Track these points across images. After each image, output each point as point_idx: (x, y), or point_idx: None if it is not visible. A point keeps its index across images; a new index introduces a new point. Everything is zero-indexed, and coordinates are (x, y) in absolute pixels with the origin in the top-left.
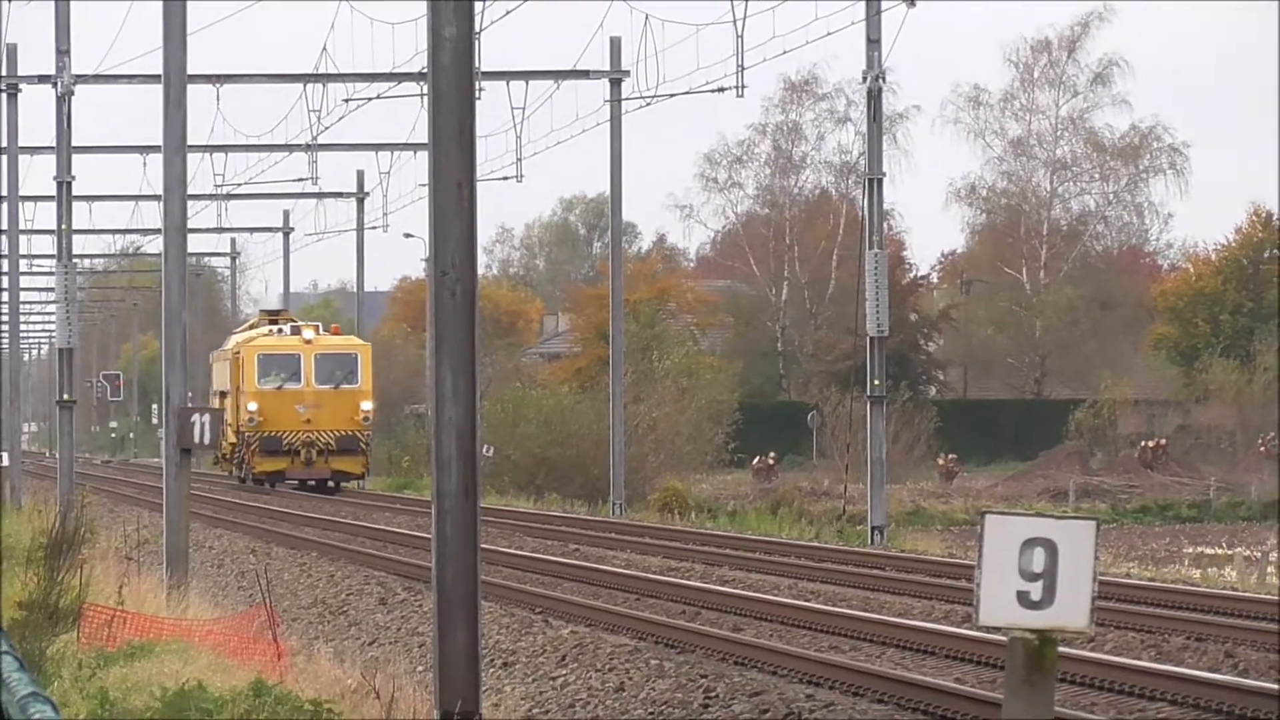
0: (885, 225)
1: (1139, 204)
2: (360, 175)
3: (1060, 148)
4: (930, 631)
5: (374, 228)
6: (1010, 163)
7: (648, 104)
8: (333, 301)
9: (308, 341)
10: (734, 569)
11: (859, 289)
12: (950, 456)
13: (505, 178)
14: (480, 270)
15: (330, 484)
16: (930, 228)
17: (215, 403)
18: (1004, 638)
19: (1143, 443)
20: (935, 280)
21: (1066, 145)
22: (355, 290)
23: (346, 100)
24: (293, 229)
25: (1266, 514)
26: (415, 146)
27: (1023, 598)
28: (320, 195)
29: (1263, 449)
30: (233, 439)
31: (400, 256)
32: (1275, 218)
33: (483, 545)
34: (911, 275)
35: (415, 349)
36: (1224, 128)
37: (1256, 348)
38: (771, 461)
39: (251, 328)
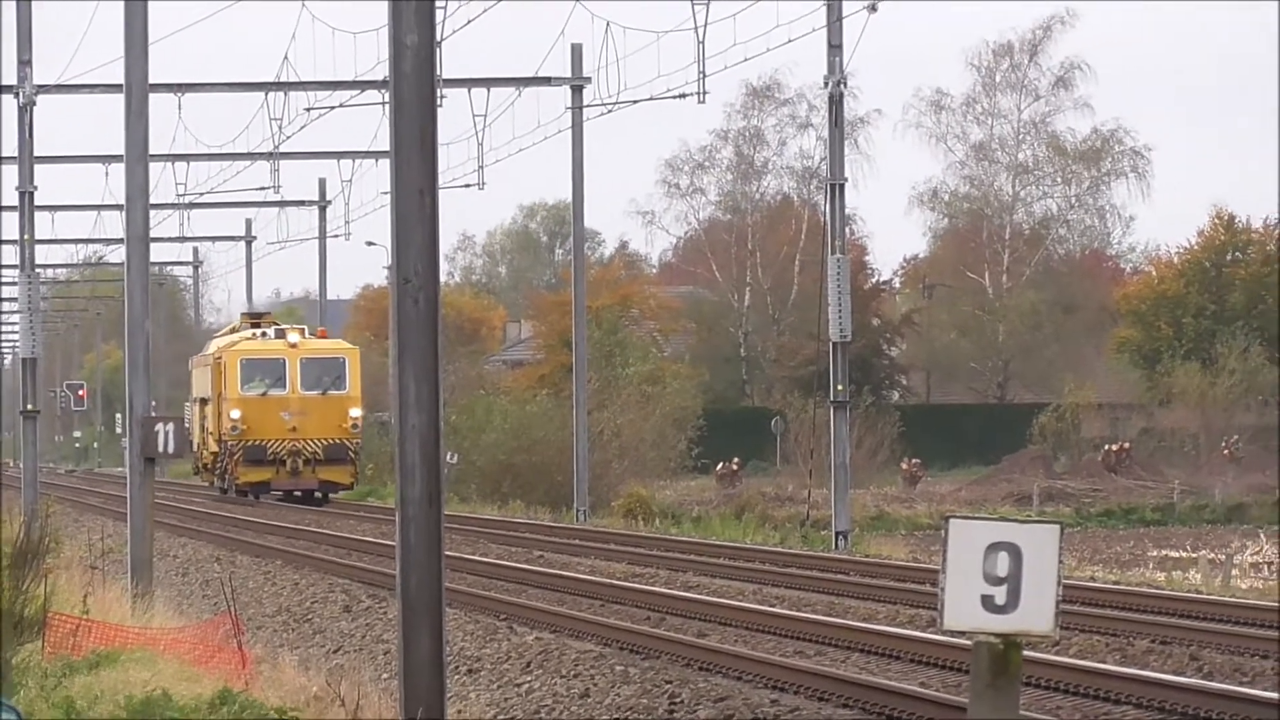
0: (847, 230)
1: (1101, 207)
2: (322, 183)
3: (1022, 151)
4: (895, 636)
5: (336, 236)
6: (972, 167)
7: (609, 110)
8: (296, 310)
9: (293, 346)
10: (698, 575)
11: (821, 294)
12: (914, 461)
13: (467, 185)
14: (443, 278)
15: (317, 495)
16: (892, 232)
17: (195, 411)
18: (969, 642)
19: (1106, 446)
20: (898, 285)
21: (1028, 149)
22: (318, 299)
23: (308, 109)
24: (255, 237)
25: (1230, 517)
26: (377, 154)
27: (987, 602)
28: (282, 204)
29: (1226, 452)
30: (214, 448)
31: (363, 264)
32: (1276, 223)
33: (447, 552)
34: (874, 280)
35: (378, 357)
36: (1186, 131)
37: (1219, 351)
38: (735, 467)
39: (233, 331)
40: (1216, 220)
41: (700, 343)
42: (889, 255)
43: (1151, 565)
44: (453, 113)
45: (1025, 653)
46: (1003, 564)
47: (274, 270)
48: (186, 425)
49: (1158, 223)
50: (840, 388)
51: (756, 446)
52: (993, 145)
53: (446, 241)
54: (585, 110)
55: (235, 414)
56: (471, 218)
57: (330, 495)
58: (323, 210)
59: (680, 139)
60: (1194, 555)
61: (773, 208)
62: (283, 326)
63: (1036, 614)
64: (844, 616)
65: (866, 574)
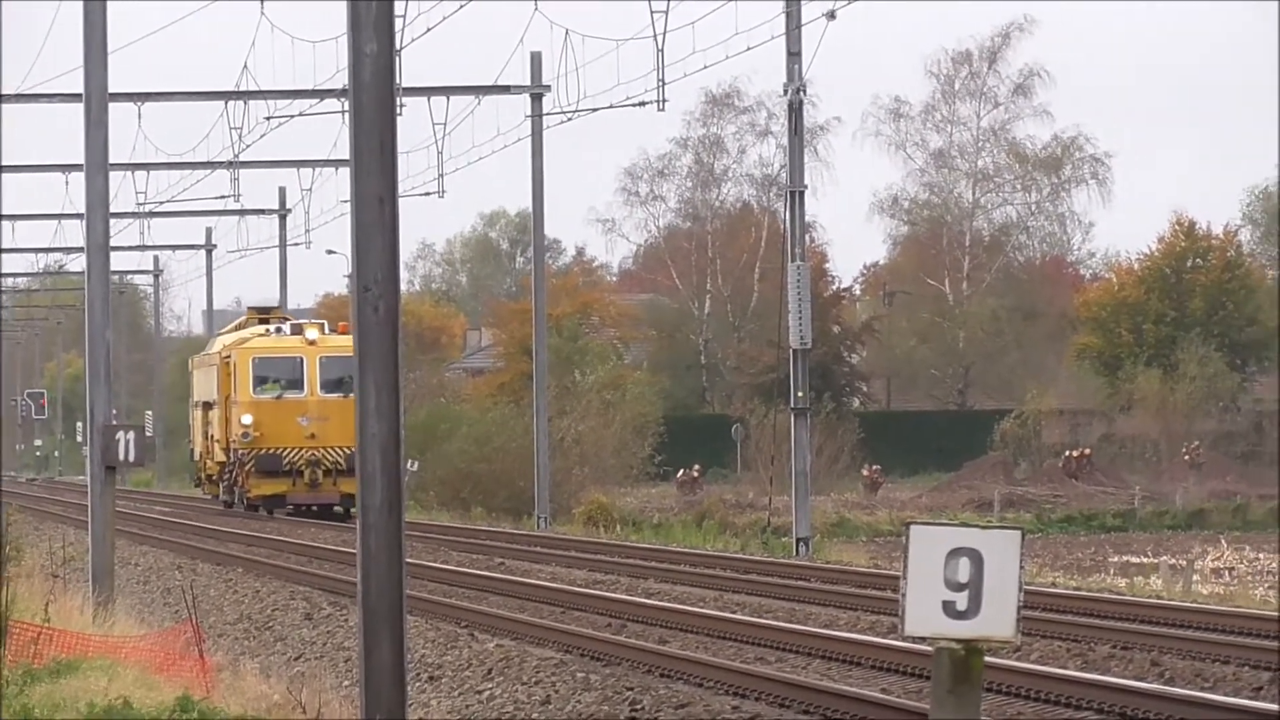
0: (807, 238)
1: (1061, 214)
2: (282, 192)
3: (982, 159)
4: (856, 642)
5: (296, 244)
6: (932, 174)
7: (569, 119)
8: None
9: (311, 342)
10: (660, 581)
11: (781, 301)
12: (874, 468)
13: (427, 193)
14: (403, 286)
15: (338, 509)
16: (852, 240)
17: (197, 416)
18: (930, 648)
19: (1067, 452)
20: (858, 292)
21: (988, 156)
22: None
23: (268, 117)
24: (215, 246)
25: (1191, 522)
26: (337, 163)
27: (948, 608)
28: (242, 212)
29: (1187, 458)
30: (221, 457)
31: (323, 273)
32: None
33: (408, 560)
34: (834, 287)
35: None
36: (1146, 138)
37: (1179, 357)
38: (696, 474)
39: (238, 328)
40: (1177, 227)
41: (661, 350)
42: (849, 262)
43: (1112, 571)
44: (412, 121)
45: (987, 658)
46: (964, 570)
47: (234, 279)
48: (189, 441)
49: (1118, 229)
50: (800, 394)
51: (717, 453)
52: (952, 152)
53: (407, 250)
54: (545, 118)
55: (246, 419)
56: (432, 226)
57: (352, 510)
58: (283, 219)
59: (640, 147)
60: (1155, 561)
61: (732, 215)
62: (299, 321)
63: (998, 620)
64: (805, 623)
65: (827, 580)
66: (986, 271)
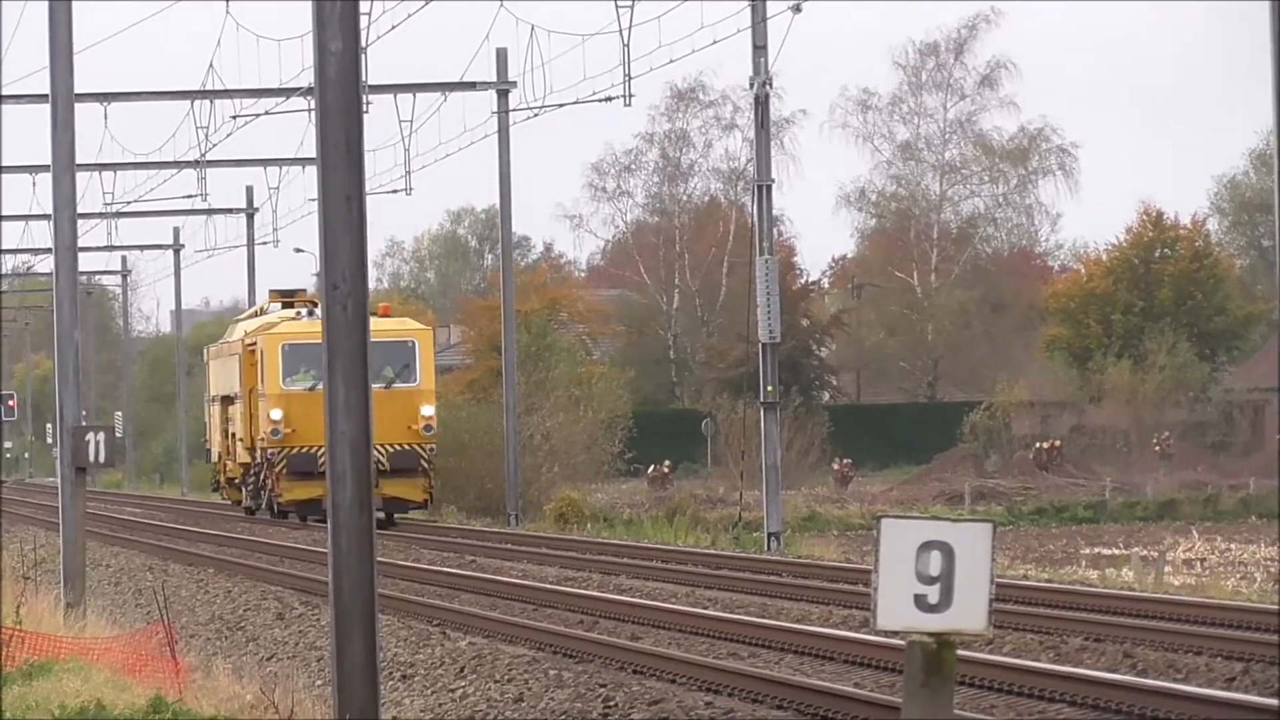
0: (775, 231)
1: (1028, 205)
2: (249, 191)
3: (949, 150)
4: (828, 637)
5: (264, 243)
6: (899, 166)
7: (535, 115)
8: (225, 319)
9: None
10: (631, 578)
11: (750, 295)
12: (845, 461)
13: (394, 191)
14: (371, 284)
15: (381, 514)
16: (820, 233)
17: (215, 412)
18: (902, 641)
19: (1037, 444)
20: (826, 285)
21: (955, 148)
22: (247, 307)
23: (234, 116)
24: (183, 246)
25: (1162, 513)
26: (304, 161)
27: (920, 601)
28: (210, 211)
29: (1157, 448)
30: (245, 458)
31: (291, 271)
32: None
33: (379, 558)
34: (802, 281)
35: None
36: (1113, 128)
37: (1148, 347)
38: (666, 470)
39: (260, 313)
40: (1145, 217)
41: (630, 345)
42: (817, 256)
43: (1084, 563)
44: (379, 119)
45: (959, 652)
46: (935, 563)
47: (202, 278)
48: (205, 440)
49: (1086, 220)
50: (770, 389)
51: (687, 449)
52: (919, 144)
53: (374, 247)
54: (511, 115)
55: (276, 414)
56: (399, 223)
57: (397, 515)
58: (250, 218)
59: (606, 142)
60: (1126, 552)
61: (700, 210)
62: None
63: (970, 613)
64: (777, 618)
65: (799, 575)
66: (954, 264)
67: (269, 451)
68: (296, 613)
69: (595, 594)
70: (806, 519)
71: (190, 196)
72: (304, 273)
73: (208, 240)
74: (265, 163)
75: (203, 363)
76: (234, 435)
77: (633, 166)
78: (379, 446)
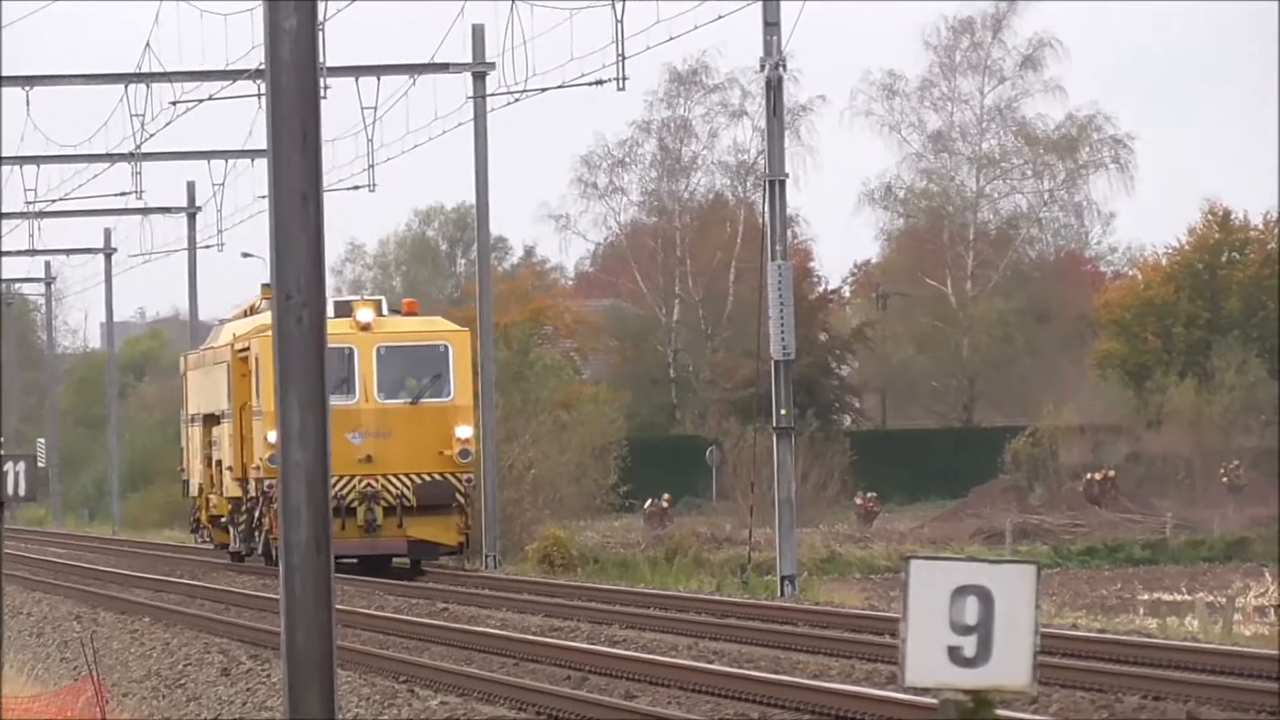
0: (789, 233)
1: (1078, 204)
2: (191, 187)
3: (987, 141)
4: (850, 695)
5: (208, 247)
6: (930, 159)
7: (516, 100)
8: (161, 332)
9: (364, 326)
10: (625, 628)
11: (760, 306)
12: (869, 495)
13: (356, 187)
14: (329, 293)
15: (404, 562)
16: (841, 235)
17: (193, 435)
18: (934, 700)
19: (1088, 475)
20: (847, 295)
21: (994, 138)
22: (188, 319)
23: (174, 103)
24: (115, 250)
25: (1231, 553)
26: (253, 153)
27: (954, 654)
28: (146, 211)
29: (1225, 480)
30: (234, 491)
31: (238, 279)
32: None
33: (339, 605)
34: (820, 289)
35: None
36: (1172, 115)
37: (1214, 364)
38: (665, 505)
39: (249, 312)
40: (1209, 217)
41: (624, 363)
42: (837, 261)
43: (1142, 610)
44: (338, 105)
45: (999, 712)
46: (972, 610)
47: (138, 287)
48: (181, 469)
49: (1142, 220)
50: (784, 412)
51: (689, 481)
52: (953, 134)
53: (333, 252)
54: (489, 100)
55: (274, 436)
56: (361, 224)
57: (424, 562)
58: (192, 218)
59: (597, 132)
60: (1190, 598)
61: (704, 209)
62: (345, 299)
63: (1011, 667)
64: (791, 673)
65: (816, 624)
66: (993, 269)
67: (266, 483)
68: (244, 668)
69: (585, 646)
70: (825, 560)
71: (124, 194)
72: (253, 281)
73: (143, 243)
74: (209, 155)
75: (179, 375)
76: (219, 463)
77: (627, 160)
78: (402, 478)
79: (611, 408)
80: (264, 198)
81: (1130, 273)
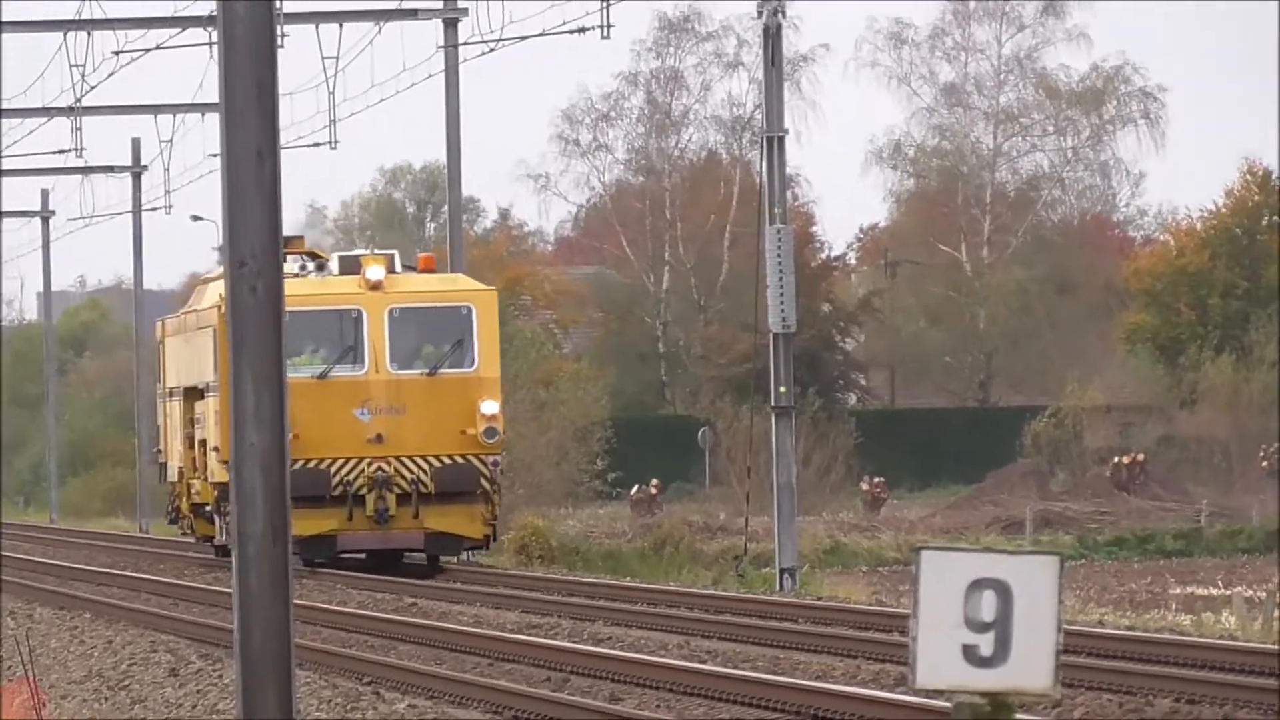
0: (789, 194)
1: (1104, 163)
2: (136, 144)
3: (1004, 95)
4: (855, 698)
5: (154, 210)
6: (943, 114)
7: (491, 49)
8: (103, 302)
9: (374, 285)
10: (610, 624)
11: (758, 274)
12: (875, 480)
13: (316, 144)
14: (291, 259)
15: (420, 556)
16: (846, 197)
17: (172, 411)
18: (948, 703)
19: (1116, 459)
20: (853, 262)
21: (1012, 91)
22: (132, 287)
23: (117, 52)
24: (53, 213)
25: (1271, 544)
26: (204, 107)
27: (970, 653)
28: (87, 170)
29: (1264, 464)
30: (222, 476)
31: (188, 245)
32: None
33: (297, 600)
34: (823, 256)
35: None
36: (1207, 66)
37: (1254, 338)
38: (654, 491)
39: None
40: (1248, 176)
41: (609, 336)
42: (842, 225)
43: (1174, 606)
44: (297, 55)
45: (1018, 716)
46: (988, 606)
47: (77, 253)
48: (158, 450)
49: (1175, 181)
50: (783, 390)
51: (680, 465)
52: (967, 87)
53: (291, 215)
54: (461, 50)
55: None
56: (322, 185)
57: (443, 558)
58: (137, 178)
59: (579, 84)
60: (1227, 592)
61: (696, 168)
62: (352, 253)
63: (1031, 668)
64: (792, 674)
65: (819, 621)
66: (1012, 235)
67: None
68: (194, 668)
69: (565, 645)
70: (828, 552)
71: (63, 152)
72: (204, 247)
73: (84, 206)
74: (155, 109)
75: (156, 342)
76: (203, 444)
77: (612, 114)
78: (418, 460)
79: (595, 385)
80: (215, 156)
81: (1162, 238)
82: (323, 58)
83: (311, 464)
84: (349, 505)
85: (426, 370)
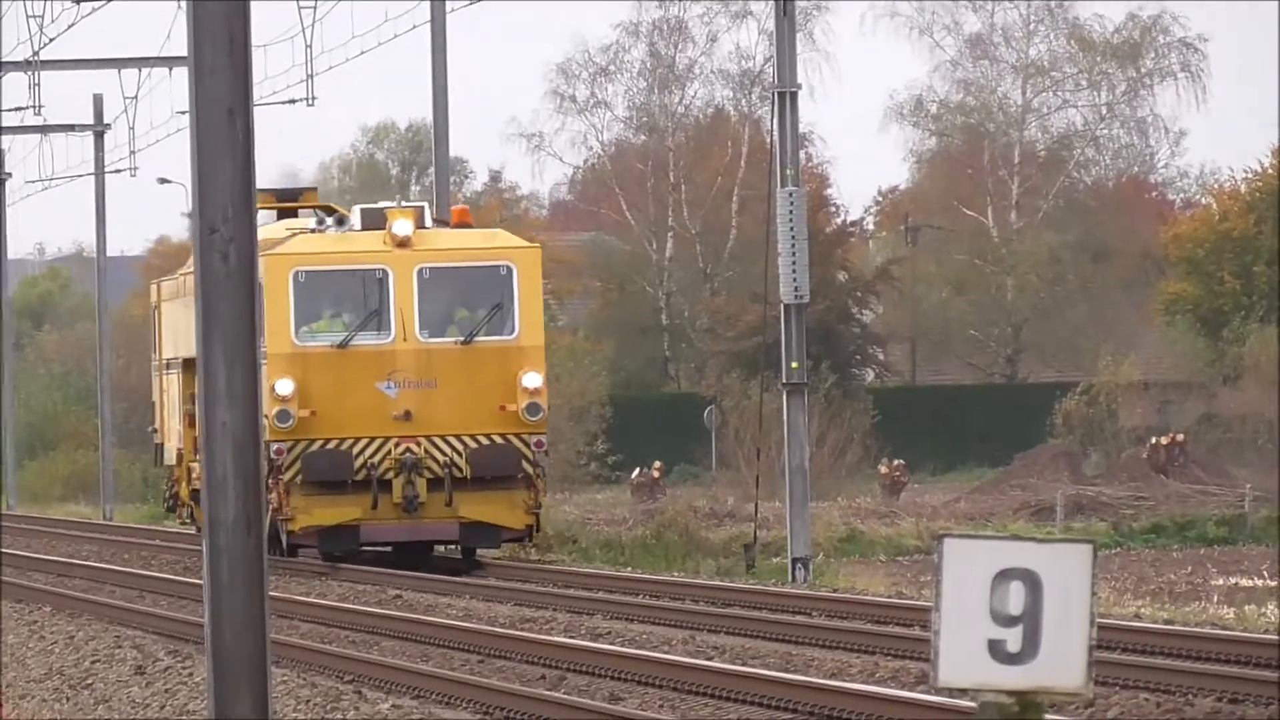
0: (802, 155)
1: (1141, 120)
2: (98, 101)
3: (1035, 46)
4: (873, 697)
5: (118, 171)
6: (968, 68)
7: None
8: (63, 270)
9: (402, 242)
10: (609, 618)
11: (768, 241)
12: (896, 463)
13: (292, 100)
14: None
15: (454, 549)
16: (863, 157)
17: (170, 385)
18: (973, 703)
19: (1153, 439)
20: (871, 227)
21: (1042, 43)
22: (95, 255)
23: (78, 1)
24: (9, 175)
25: None
26: (171, 61)
27: (996, 649)
28: (46, 129)
29: None
30: None
31: (155, 209)
32: None
33: (273, 593)
34: (839, 221)
35: None
36: (1253, 14)
37: None
38: (657, 474)
39: None
40: None
41: (608, 307)
42: (859, 187)
43: (1216, 597)
44: (273, 5)
45: (1048, 716)
46: (1016, 598)
47: (35, 218)
48: (153, 429)
49: (1218, 140)
50: (795, 365)
51: (684, 446)
52: (995, 39)
53: (265, 176)
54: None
55: (285, 386)
56: (300, 145)
57: (479, 551)
58: (99, 137)
59: (576, 35)
60: (1272, 583)
61: (701, 126)
62: (376, 206)
63: (1062, 665)
64: (804, 672)
65: (834, 615)
66: (1042, 198)
67: (273, 448)
68: (162, 665)
69: (562, 640)
70: (845, 540)
71: (19, 109)
72: (173, 211)
73: (42, 168)
74: (119, 64)
75: (150, 308)
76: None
77: (611, 68)
78: (451, 440)
79: (593, 360)
80: (184, 113)
81: (1204, 201)
82: (299, 7)
83: (331, 445)
84: (373, 492)
85: (461, 338)
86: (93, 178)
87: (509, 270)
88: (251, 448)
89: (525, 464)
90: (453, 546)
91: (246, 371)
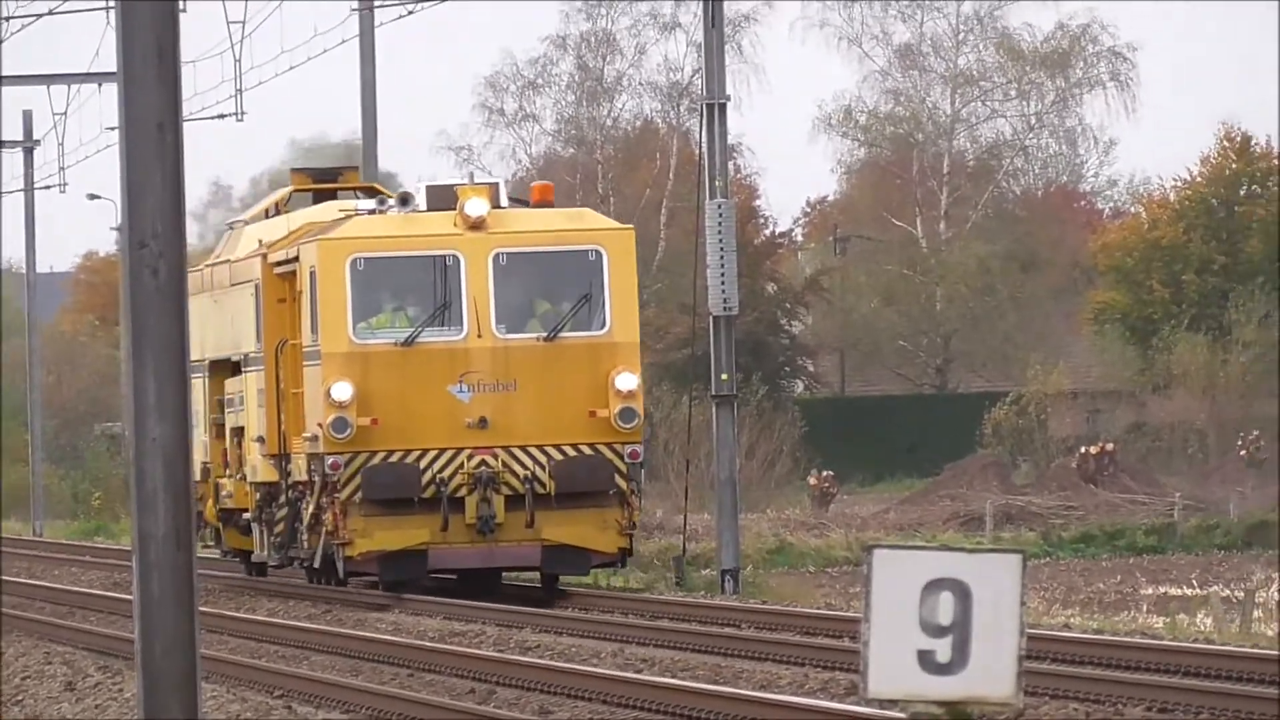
0: (731, 166)
1: (1071, 129)
2: (28, 117)
3: (964, 56)
4: (803, 708)
5: (47, 187)
6: (897, 78)
7: (409, 12)
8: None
9: (475, 224)
10: (539, 631)
11: (697, 252)
12: (824, 474)
13: (221, 115)
14: (191, 240)
15: (529, 575)
16: (792, 168)
17: (208, 391)
18: (902, 713)
19: (1083, 448)
20: (800, 238)
21: (972, 52)
22: (25, 271)
23: (7, 18)
24: None
25: (1251, 539)
26: (100, 77)
27: (925, 659)
28: None
29: (1243, 453)
30: (268, 474)
31: (84, 225)
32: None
33: (204, 608)
34: (768, 232)
35: (107, 348)
36: (1182, 24)
37: (1232, 317)
38: None
39: (275, 211)
40: (1225, 143)
41: None
42: (788, 198)
43: (1146, 607)
44: (201, 20)
45: None
46: (946, 608)
47: None
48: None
49: (1147, 149)
50: (724, 377)
51: None
52: (924, 48)
53: (195, 193)
54: (377, 12)
55: (342, 390)
56: (228, 160)
57: (561, 578)
58: (29, 153)
59: (504, 49)
60: (1203, 592)
61: (630, 138)
62: (445, 184)
63: (992, 675)
64: (735, 684)
65: (763, 626)
66: (971, 207)
67: (328, 462)
68: (92, 681)
69: (491, 654)
70: (774, 551)
71: None
72: (101, 227)
73: None
74: (49, 79)
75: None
76: (240, 433)
77: (540, 81)
78: (533, 452)
79: None
80: (114, 129)
81: (1133, 210)
82: (228, 22)
83: (395, 457)
84: (443, 511)
85: (544, 334)
86: (22, 194)
87: (598, 255)
88: (181, 462)
89: (618, 478)
90: (537, 573)
91: (177, 387)
